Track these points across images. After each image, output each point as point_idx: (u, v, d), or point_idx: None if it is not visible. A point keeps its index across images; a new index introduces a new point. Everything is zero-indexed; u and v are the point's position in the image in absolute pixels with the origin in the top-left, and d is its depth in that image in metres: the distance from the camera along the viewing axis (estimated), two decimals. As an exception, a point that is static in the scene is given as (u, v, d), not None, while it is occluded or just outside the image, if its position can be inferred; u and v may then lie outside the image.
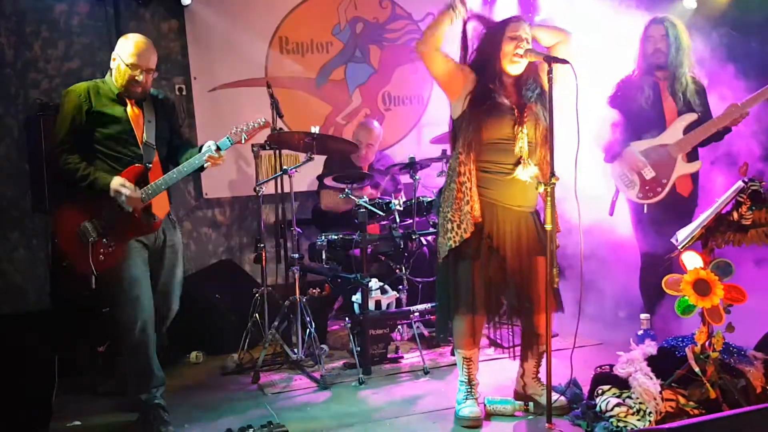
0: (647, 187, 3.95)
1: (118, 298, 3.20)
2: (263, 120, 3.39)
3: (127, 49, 3.22)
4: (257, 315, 4.19)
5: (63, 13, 4.84)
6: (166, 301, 3.41)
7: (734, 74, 4.07)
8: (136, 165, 3.25)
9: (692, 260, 2.98)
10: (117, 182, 3.15)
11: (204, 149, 3.29)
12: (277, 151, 4.55)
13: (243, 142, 3.35)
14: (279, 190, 4.46)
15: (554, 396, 3.08)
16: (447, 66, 3.11)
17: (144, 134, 3.30)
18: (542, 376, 3.23)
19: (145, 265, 3.28)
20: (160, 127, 3.38)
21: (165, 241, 3.36)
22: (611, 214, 4.14)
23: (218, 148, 3.26)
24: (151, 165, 3.28)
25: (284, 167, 4.20)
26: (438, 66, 3.11)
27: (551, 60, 2.84)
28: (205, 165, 3.28)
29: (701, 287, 2.93)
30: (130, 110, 3.30)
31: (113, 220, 3.18)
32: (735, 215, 2.90)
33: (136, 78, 3.22)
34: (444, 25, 3.07)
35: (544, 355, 3.06)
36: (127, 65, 3.21)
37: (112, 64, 3.27)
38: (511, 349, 3.37)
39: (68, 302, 4.20)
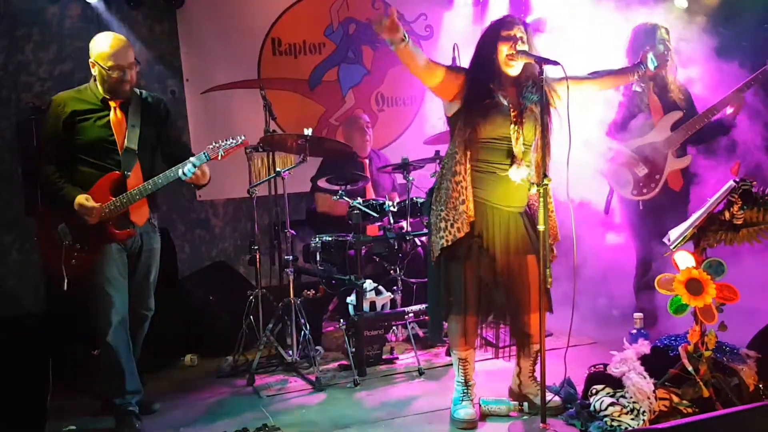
0: (641, 184, 4.03)
1: (91, 300, 3.24)
2: (242, 138, 3.35)
3: (102, 52, 3.17)
4: (252, 317, 4.18)
5: (55, 16, 4.83)
6: (143, 303, 3.45)
7: (722, 72, 4.10)
8: (114, 172, 3.24)
9: (684, 260, 3.00)
10: (78, 199, 3.15)
11: (191, 159, 3.27)
12: (270, 153, 4.55)
13: (219, 158, 3.30)
14: (272, 192, 4.46)
15: (549, 396, 3.10)
16: (439, 77, 3.09)
17: (125, 140, 3.27)
18: (538, 374, 3.24)
19: (121, 269, 3.29)
20: (145, 132, 3.34)
21: (142, 245, 3.38)
22: (606, 212, 4.18)
23: (193, 164, 3.25)
24: (129, 173, 3.26)
25: (277, 169, 4.19)
26: (431, 81, 3.10)
27: (542, 61, 2.85)
28: (183, 177, 3.25)
29: (694, 286, 2.94)
30: (113, 115, 3.26)
31: (87, 226, 3.19)
32: (727, 215, 2.91)
33: (122, 78, 3.19)
34: (408, 56, 2.97)
35: (539, 354, 3.07)
36: (108, 68, 3.16)
37: (93, 70, 3.23)
38: (504, 350, 3.37)
39: (63, 305, 4.19)
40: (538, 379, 3.10)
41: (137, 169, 3.29)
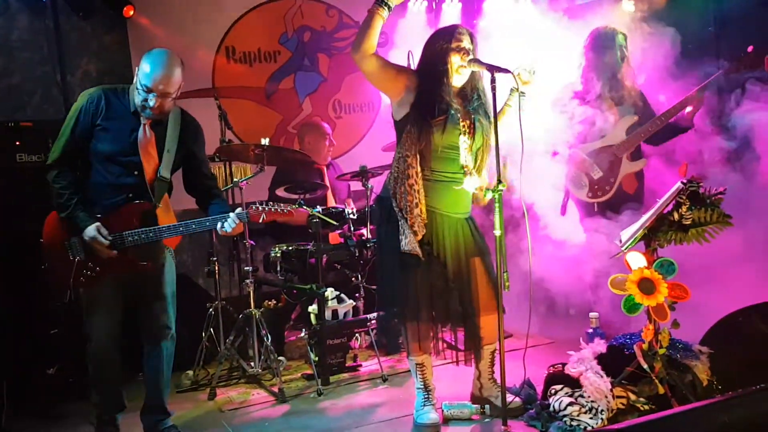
0: (596, 187, 4.11)
1: (85, 317, 3.09)
2: (289, 209, 3.24)
3: (143, 66, 2.96)
4: (212, 330, 4.14)
5: (1, 28, 4.71)
6: (158, 320, 3.21)
7: (674, 75, 4.19)
8: (145, 203, 3.06)
9: (636, 260, 3.07)
10: (91, 232, 2.96)
11: (231, 216, 3.08)
12: (227, 163, 4.50)
13: (261, 221, 3.17)
14: (230, 202, 4.41)
15: (509, 397, 3.13)
16: (384, 70, 3.11)
17: (160, 166, 3.07)
18: (498, 376, 3.28)
19: (116, 288, 3.10)
20: (177, 159, 3.13)
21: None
22: (563, 214, 4.25)
23: (233, 220, 3.07)
24: (160, 204, 3.09)
25: (234, 179, 4.16)
26: (372, 70, 3.08)
27: (494, 70, 2.88)
28: (220, 231, 3.09)
29: (646, 286, 3.01)
30: (141, 133, 3.03)
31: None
32: (676, 215, 2.99)
33: (148, 101, 2.97)
34: (376, 28, 2.99)
35: (497, 356, 3.11)
36: (140, 86, 2.96)
37: (135, 80, 3.02)
38: (458, 354, 3.40)
39: (18, 324, 4.08)
40: (498, 381, 3.14)
41: (166, 199, 3.14)
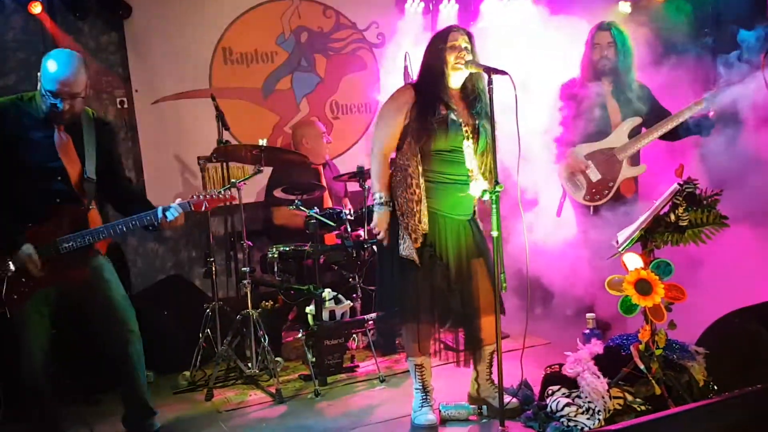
0: (593, 190, 4.07)
1: (19, 336, 2.98)
2: (228, 192, 3.25)
3: (46, 71, 2.86)
4: (209, 330, 4.14)
5: (-2, 29, 4.70)
6: (120, 326, 3.13)
7: (673, 79, 4.19)
8: (75, 205, 2.96)
9: (633, 261, 3.08)
10: (28, 249, 2.86)
11: (174, 205, 3.06)
12: (225, 164, 4.50)
13: (204, 208, 3.14)
14: (228, 202, 4.41)
15: (506, 398, 3.14)
16: (396, 140, 3.20)
17: (84, 168, 2.99)
18: (495, 377, 3.29)
19: (49, 303, 3.01)
20: (98, 161, 3.04)
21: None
22: (558, 215, 4.24)
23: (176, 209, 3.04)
24: (92, 206, 3.01)
25: (232, 180, 4.15)
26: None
27: (491, 71, 2.89)
28: (165, 219, 3.03)
29: (643, 287, 3.02)
30: (57, 137, 2.94)
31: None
32: (672, 217, 3.00)
33: (58, 106, 2.87)
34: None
35: (495, 356, 3.12)
36: (47, 92, 2.86)
37: (39, 85, 2.91)
38: (458, 355, 3.41)
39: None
40: (496, 381, 3.15)
41: (94, 202, 3.04)
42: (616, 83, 4.02)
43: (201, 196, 3.13)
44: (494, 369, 3.31)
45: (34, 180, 2.91)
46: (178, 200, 3.10)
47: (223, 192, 3.24)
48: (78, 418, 3.23)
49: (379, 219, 3.20)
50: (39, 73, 2.92)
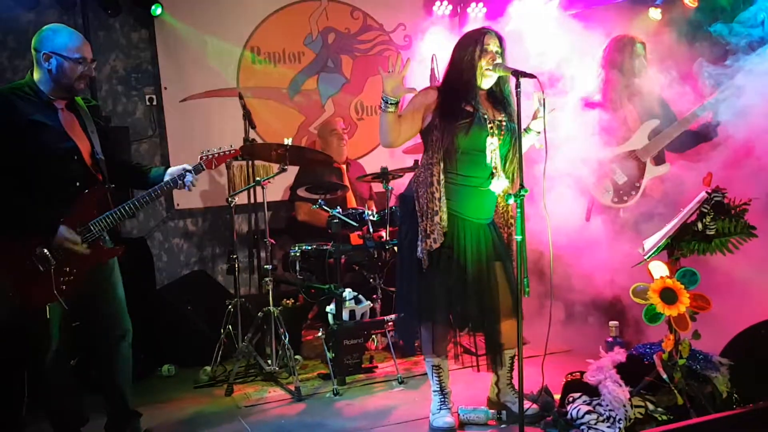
0: (621, 192, 4.09)
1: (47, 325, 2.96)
2: (233, 147, 3.29)
3: (67, 42, 2.89)
4: (230, 326, 4.17)
5: (31, 23, 4.77)
6: (119, 320, 3.14)
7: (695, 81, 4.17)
8: (101, 186, 2.99)
9: (658, 269, 3.05)
10: (64, 231, 2.87)
11: (175, 171, 3.12)
12: (250, 162, 4.54)
13: (213, 167, 3.24)
14: (252, 201, 4.45)
15: (526, 404, 3.12)
16: (411, 131, 3.19)
17: (93, 148, 3.01)
18: (515, 382, 3.28)
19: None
20: (101, 139, 3.07)
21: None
22: (587, 220, 4.23)
23: (192, 173, 3.11)
24: (113, 185, 3.05)
25: (257, 178, 4.19)
26: (406, 142, 3.25)
27: (519, 74, 2.88)
28: (184, 188, 3.10)
29: (668, 296, 2.99)
30: (63, 118, 2.95)
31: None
32: (699, 225, 2.97)
33: (85, 73, 2.93)
34: (392, 124, 3.09)
35: (516, 362, 3.11)
36: (74, 60, 2.88)
37: (45, 64, 2.88)
38: (477, 359, 3.40)
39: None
40: (516, 387, 3.13)
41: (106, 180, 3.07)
42: (634, 88, 4.03)
43: (209, 156, 3.22)
44: (514, 374, 3.30)
45: (53, 163, 2.90)
46: (184, 165, 3.15)
47: (228, 149, 3.27)
48: (99, 407, 3.26)
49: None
50: (47, 51, 2.88)
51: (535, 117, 3.22)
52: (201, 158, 3.23)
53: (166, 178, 3.12)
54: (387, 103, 3.04)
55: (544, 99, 2.99)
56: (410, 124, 3.17)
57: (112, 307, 3.12)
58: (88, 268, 2.98)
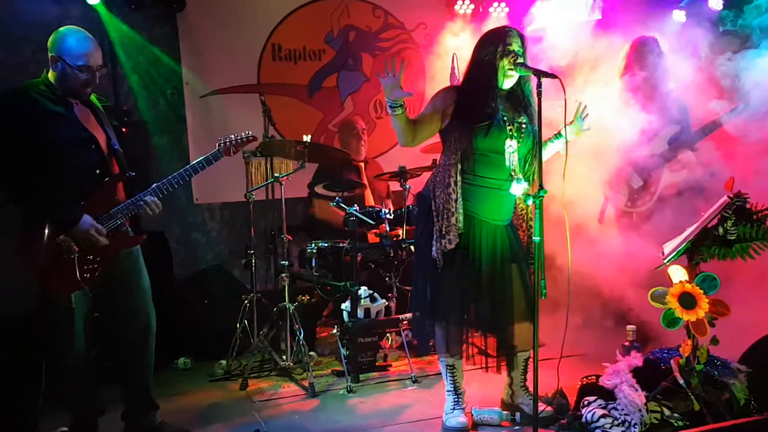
0: (635, 196, 4.06)
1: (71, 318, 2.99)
2: (251, 134, 3.32)
3: (73, 49, 2.91)
4: (246, 321, 4.19)
5: (55, 18, 4.80)
6: (147, 311, 3.18)
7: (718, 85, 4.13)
8: (118, 175, 3.03)
9: (678, 273, 3.02)
10: (89, 221, 2.90)
11: (198, 161, 3.16)
12: (269, 158, 4.56)
13: (232, 154, 3.28)
14: (270, 197, 4.47)
15: (541, 406, 3.11)
16: (429, 132, 3.18)
17: (110, 137, 3.06)
18: (529, 384, 3.26)
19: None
20: (114, 132, 3.13)
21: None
22: (601, 222, 4.21)
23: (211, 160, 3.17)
24: (134, 173, 3.10)
25: (275, 174, 4.21)
26: (423, 142, 3.24)
27: (541, 74, 2.87)
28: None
29: (686, 300, 2.96)
30: (79, 111, 3.00)
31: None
32: (720, 230, 2.93)
33: (89, 81, 2.96)
34: (405, 125, 3.08)
35: (531, 364, 3.10)
36: (77, 68, 2.91)
37: (53, 66, 2.94)
38: (486, 360, 3.39)
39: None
40: (530, 389, 3.12)
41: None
42: (653, 92, 3.99)
43: (226, 144, 3.25)
44: (528, 376, 3.29)
45: (71, 152, 2.93)
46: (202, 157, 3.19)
47: (244, 136, 3.30)
48: (116, 398, 3.30)
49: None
50: (54, 54, 2.93)
51: (569, 124, 3.18)
52: (218, 145, 3.25)
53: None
54: (392, 107, 3.03)
55: (584, 107, 2.97)
56: (428, 125, 3.16)
57: (137, 297, 3.15)
58: (111, 256, 3.01)
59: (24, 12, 4.74)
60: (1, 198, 2.94)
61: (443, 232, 3.10)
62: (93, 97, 3.12)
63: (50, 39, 2.98)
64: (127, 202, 3.03)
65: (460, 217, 3.10)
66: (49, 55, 2.96)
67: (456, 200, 3.09)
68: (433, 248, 3.12)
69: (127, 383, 3.25)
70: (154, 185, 3.09)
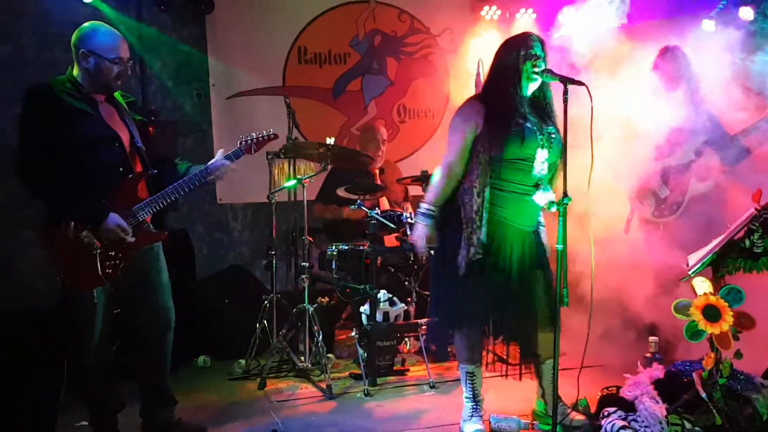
0: (662, 206, 4.03)
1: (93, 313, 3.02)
2: (273, 132, 3.32)
3: (104, 42, 2.96)
4: (266, 321, 4.22)
5: (87, 16, 4.89)
6: (167, 305, 3.21)
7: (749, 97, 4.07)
8: (141, 173, 3.06)
9: (702, 285, 2.98)
10: (115, 219, 2.92)
11: (218, 159, 3.19)
12: (292, 160, 4.58)
13: (253, 152, 3.28)
14: (292, 199, 4.49)
15: (573, 415, 3.12)
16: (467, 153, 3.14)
17: (133, 136, 3.08)
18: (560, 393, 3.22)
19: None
20: (138, 130, 3.14)
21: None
22: (626, 232, 4.17)
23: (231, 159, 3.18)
24: (155, 171, 3.12)
25: (298, 176, 4.23)
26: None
27: (567, 81, 2.85)
28: (218, 174, 3.17)
29: (711, 313, 2.92)
30: (103, 110, 3.02)
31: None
32: (747, 243, 2.89)
33: (121, 73, 3.00)
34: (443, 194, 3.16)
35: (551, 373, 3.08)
36: (110, 60, 2.95)
37: (83, 62, 2.95)
38: (506, 367, 3.36)
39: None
40: (561, 398, 3.11)
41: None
42: (683, 100, 3.96)
43: (247, 141, 3.25)
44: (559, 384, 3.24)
45: (95, 149, 2.95)
46: (221, 152, 3.22)
47: (266, 134, 3.29)
48: (135, 393, 3.33)
49: (422, 231, 3.17)
50: (84, 50, 2.95)
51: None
52: (240, 143, 3.25)
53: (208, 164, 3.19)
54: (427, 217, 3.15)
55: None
56: (465, 155, 3.13)
57: (158, 294, 3.17)
58: (133, 252, 3.03)
59: (54, 11, 4.82)
60: (25, 194, 2.98)
61: (471, 240, 3.07)
62: (117, 94, 3.16)
63: (75, 36, 3.01)
64: (148, 200, 3.06)
65: (485, 229, 3.05)
66: (79, 51, 2.98)
67: (485, 208, 3.04)
68: (460, 256, 3.10)
69: (144, 378, 3.28)
70: (179, 182, 3.11)
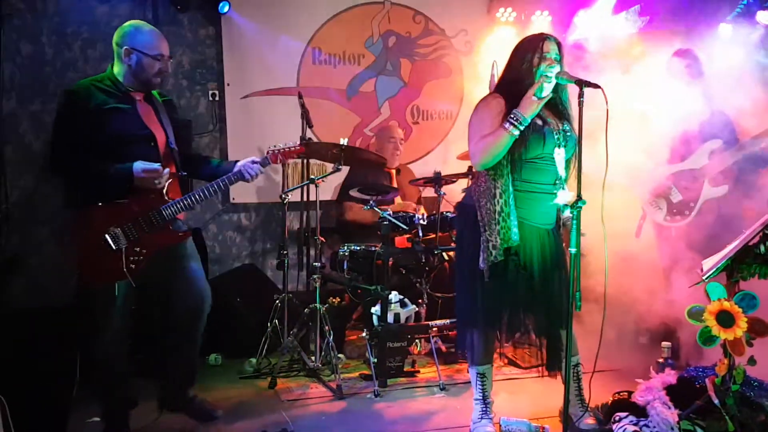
0: (674, 210, 4.01)
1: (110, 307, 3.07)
2: (297, 144, 3.35)
3: (147, 39, 3.07)
4: (277, 321, 4.23)
5: (104, 15, 4.95)
6: (203, 284, 3.27)
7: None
8: (176, 173, 3.11)
9: (716, 291, 2.96)
10: (140, 164, 2.95)
11: (245, 164, 3.23)
12: (305, 160, 4.60)
13: (278, 162, 3.33)
14: (305, 199, 4.51)
15: (588, 419, 3.13)
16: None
17: (168, 137, 3.15)
18: (585, 393, 3.22)
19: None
20: (175, 130, 3.21)
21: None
22: (638, 236, 4.15)
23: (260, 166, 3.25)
24: (186, 173, 3.19)
25: (311, 176, 4.24)
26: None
27: (583, 83, 2.84)
28: (247, 179, 3.23)
29: (724, 318, 2.90)
30: (141, 108, 3.09)
31: (143, 227, 3.03)
32: (762, 248, 2.87)
33: (163, 69, 3.10)
34: (505, 147, 3.00)
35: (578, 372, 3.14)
36: (153, 57, 3.05)
37: (126, 59, 3.05)
38: (540, 367, 3.34)
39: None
40: (586, 399, 3.13)
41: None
42: (696, 104, 3.95)
43: (276, 151, 3.30)
44: (583, 384, 3.22)
45: (130, 147, 3.02)
46: (252, 158, 3.27)
47: (293, 144, 3.34)
48: (148, 391, 3.35)
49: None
50: (128, 47, 3.05)
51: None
52: (267, 153, 3.31)
53: (236, 169, 3.24)
54: (520, 124, 2.96)
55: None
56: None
57: (188, 282, 3.20)
58: (158, 250, 3.08)
59: (73, 10, 4.87)
60: (40, 191, 3.04)
61: (491, 243, 3.05)
62: (155, 93, 3.23)
63: (118, 34, 3.10)
64: (176, 200, 3.10)
65: (514, 223, 3.03)
66: (121, 49, 3.07)
67: (504, 209, 3.02)
68: (480, 258, 3.09)
69: (174, 364, 3.31)
70: (205, 186, 3.16)
